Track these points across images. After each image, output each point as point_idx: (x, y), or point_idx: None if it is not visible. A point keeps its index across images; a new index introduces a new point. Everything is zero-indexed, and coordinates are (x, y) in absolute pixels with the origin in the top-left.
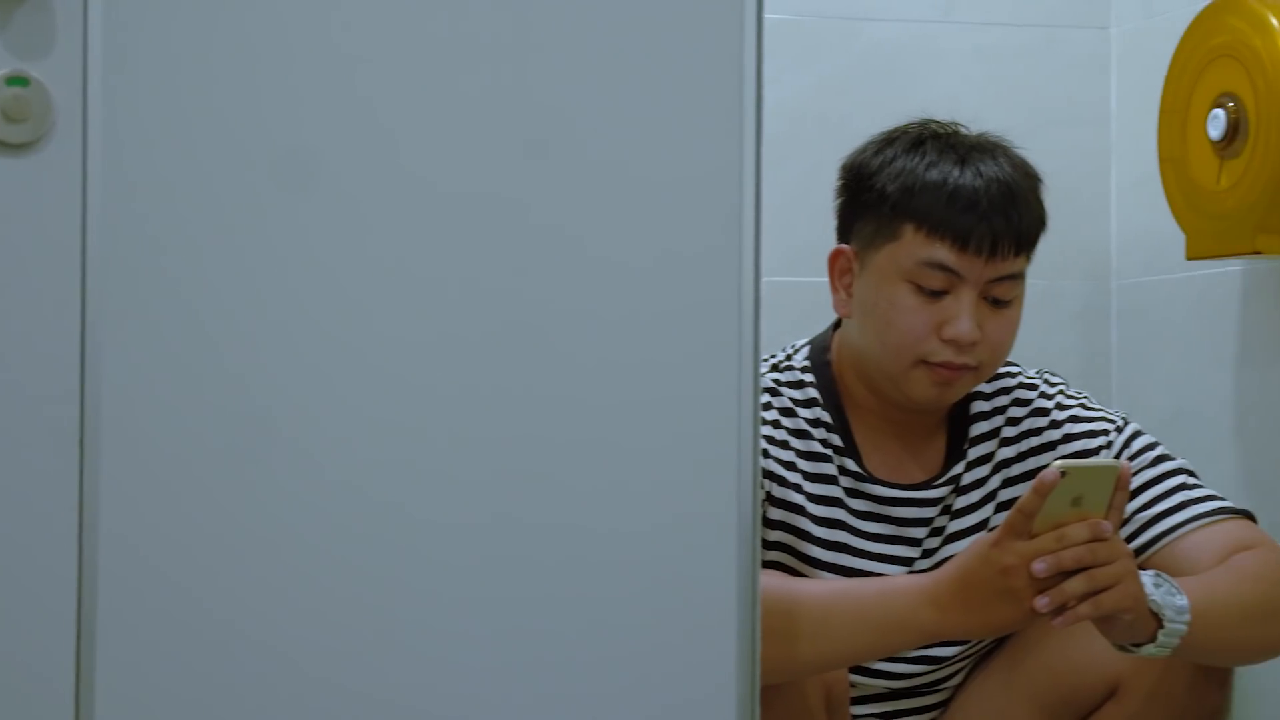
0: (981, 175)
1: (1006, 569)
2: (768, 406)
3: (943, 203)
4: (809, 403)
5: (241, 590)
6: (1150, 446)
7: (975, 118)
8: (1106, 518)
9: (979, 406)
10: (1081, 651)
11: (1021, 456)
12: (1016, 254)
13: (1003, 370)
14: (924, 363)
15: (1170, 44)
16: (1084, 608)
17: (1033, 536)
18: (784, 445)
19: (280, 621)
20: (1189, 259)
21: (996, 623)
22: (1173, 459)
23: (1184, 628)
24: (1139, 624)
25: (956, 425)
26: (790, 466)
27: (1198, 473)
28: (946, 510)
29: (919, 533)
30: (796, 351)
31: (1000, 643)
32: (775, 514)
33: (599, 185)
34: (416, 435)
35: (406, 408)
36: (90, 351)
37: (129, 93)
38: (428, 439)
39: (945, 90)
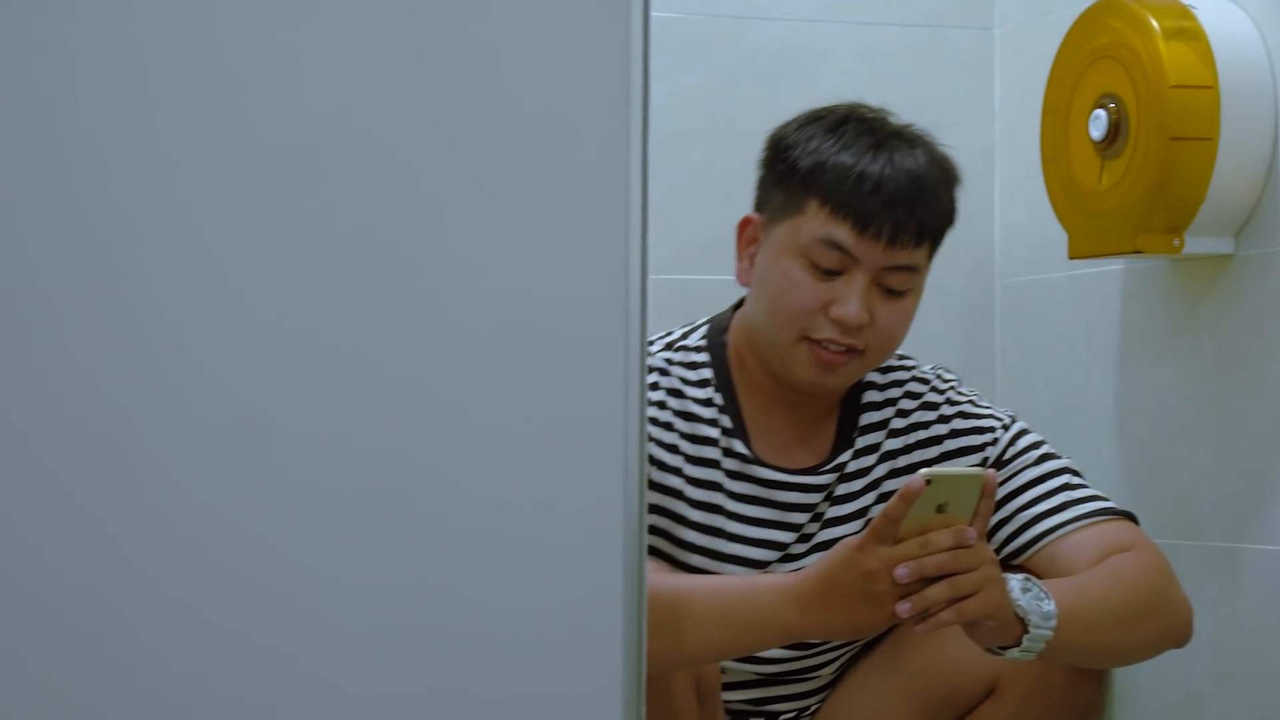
0: (894, 164)
1: (870, 573)
2: (655, 386)
3: (849, 184)
4: (701, 383)
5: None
6: (1035, 445)
7: None
8: (972, 525)
9: (871, 396)
10: (961, 650)
11: (908, 449)
12: (916, 245)
13: (896, 363)
14: (808, 339)
15: (1053, 45)
16: (946, 614)
17: (898, 542)
18: (668, 427)
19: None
20: (1071, 258)
21: (858, 625)
22: (1058, 458)
23: (1049, 633)
24: (1003, 629)
25: (848, 413)
26: (672, 449)
27: (1082, 472)
28: (829, 496)
29: (800, 517)
30: (694, 330)
31: (880, 636)
32: (652, 498)
33: (482, 181)
34: (293, 436)
35: (287, 404)
36: None
37: None
38: (304, 436)
39: (832, 89)
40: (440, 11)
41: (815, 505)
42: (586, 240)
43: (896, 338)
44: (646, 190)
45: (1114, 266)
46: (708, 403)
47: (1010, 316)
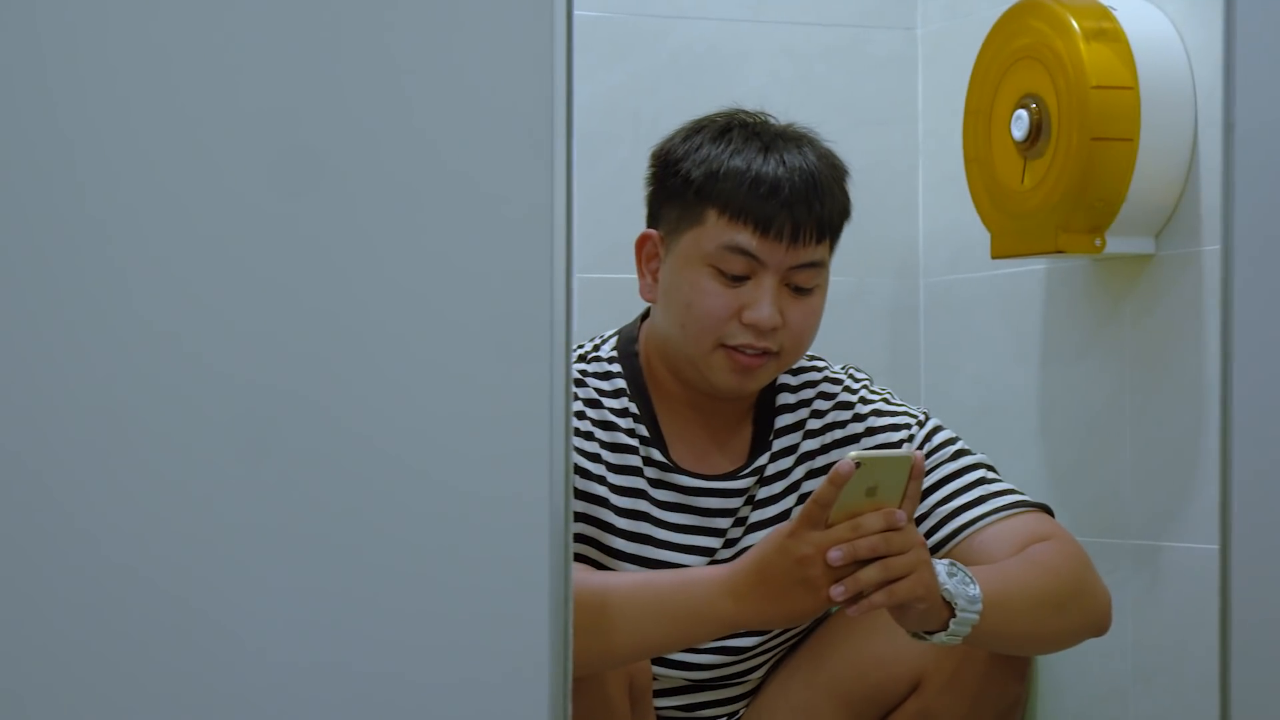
0: (785, 163)
1: (802, 558)
2: (573, 398)
3: (745, 188)
4: (616, 393)
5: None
6: (950, 441)
7: (785, 116)
8: (901, 507)
9: (785, 398)
10: (885, 646)
11: (825, 449)
12: (818, 242)
13: (808, 364)
14: (724, 346)
15: (975, 45)
16: (878, 596)
17: (829, 526)
18: (588, 437)
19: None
20: (994, 257)
21: (794, 611)
22: (972, 454)
23: (976, 617)
24: (932, 612)
25: (762, 416)
26: (594, 458)
27: (998, 468)
28: (750, 500)
29: (723, 523)
30: (604, 342)
31: (804, 637)
32: (578, 506)
33: (406, 180)
34: (221, 429)
35: (214, 394)
36: None
37: None
38: (232, 446)
39: (755, 89)
40: (363, 11)
41: (737, 510)
42: (512, 237)
43: (808, 336)
44: (572, 188)
45: (1036, 266)
46: (624, 412)
47: (934, 316)
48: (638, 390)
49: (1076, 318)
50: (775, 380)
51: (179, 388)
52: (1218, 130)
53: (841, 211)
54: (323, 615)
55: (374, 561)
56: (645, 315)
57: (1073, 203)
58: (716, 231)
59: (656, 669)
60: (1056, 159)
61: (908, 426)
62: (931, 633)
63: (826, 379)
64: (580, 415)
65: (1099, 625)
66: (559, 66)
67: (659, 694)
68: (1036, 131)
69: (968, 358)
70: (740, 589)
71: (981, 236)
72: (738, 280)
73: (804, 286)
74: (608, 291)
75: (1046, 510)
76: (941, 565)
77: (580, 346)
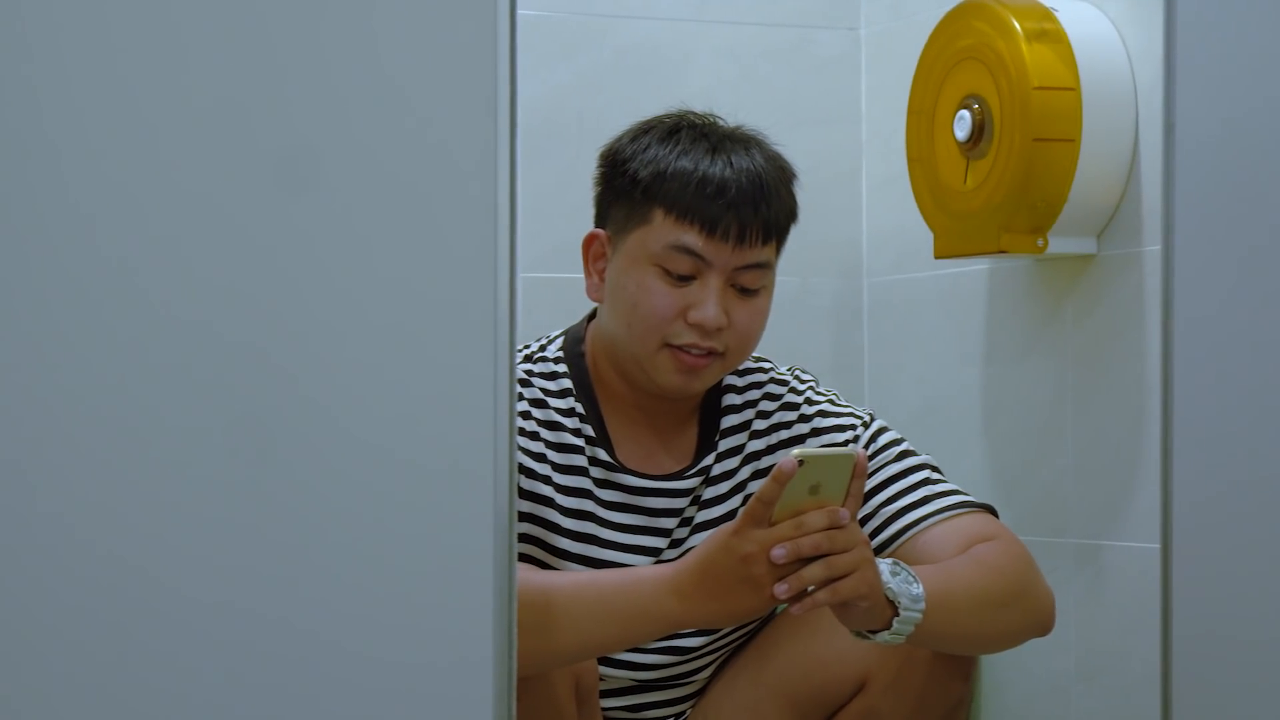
0: (732, 165)
1: (746, 556)
2: (519, 398)
3: (692, 189)
4: (562, 393)
5: None
6: (895, 442)
7: (729, 116)
8: (844, 505)
9: (730, 399)
10: (829, 647)
11: (771, 449)
12: (764, 243)
13: (754, 365)
14: (669, 346)
15: (917, 46)
16: (822, 594)
17: (772, 524)
18: (534, 437)
19: None
20: (937, 257)
21: (739, 610)
22: (917, 454)
23: (919, 615)
24: (875, 611)
25: (708, 417)
26: (540, 458)
27: (942, 468)
28: (696, 501)
29: (669, 523)
30: (551, 342)
31: (750, 637)
32: (523, 506)
33: (348, 181)
34: (171, 431)
35: (165, 398)
36: None
37: None
38: (179, 431)
39: (699, 88)
40: (305, 10)
41: (683, 510)
42: (456, 236)
43: (754, 336)
44: (515, 188)
45: (979, 266)
46: (570, 412)
47: (877, 316)
48: (584, 390)
49: (1019, 317)
50: (721, 381)
51: (147, 386)
52: (1158, 131)
53: (788, 213)
54: (264, 616)
55: (316, 562)
56: (592, 316)
57: (1015, 203)
58: (663, 231)
59: (603, 669)
60: (999, 159)
61: (853, 427)
62: (875, 632)
63: (772, 380)
64: (526, 415)
65: (1043, 625)
66: (502, 65)
67: (606, 694)
68: (979, 132)
69: (911, 357)
70: (685, 587)
71: (925, 236)
72: (684, 280)
73: (750, 288)
74: (551, 291)
75: (991, 510)
76: (885, 564)
77: (526, 347)
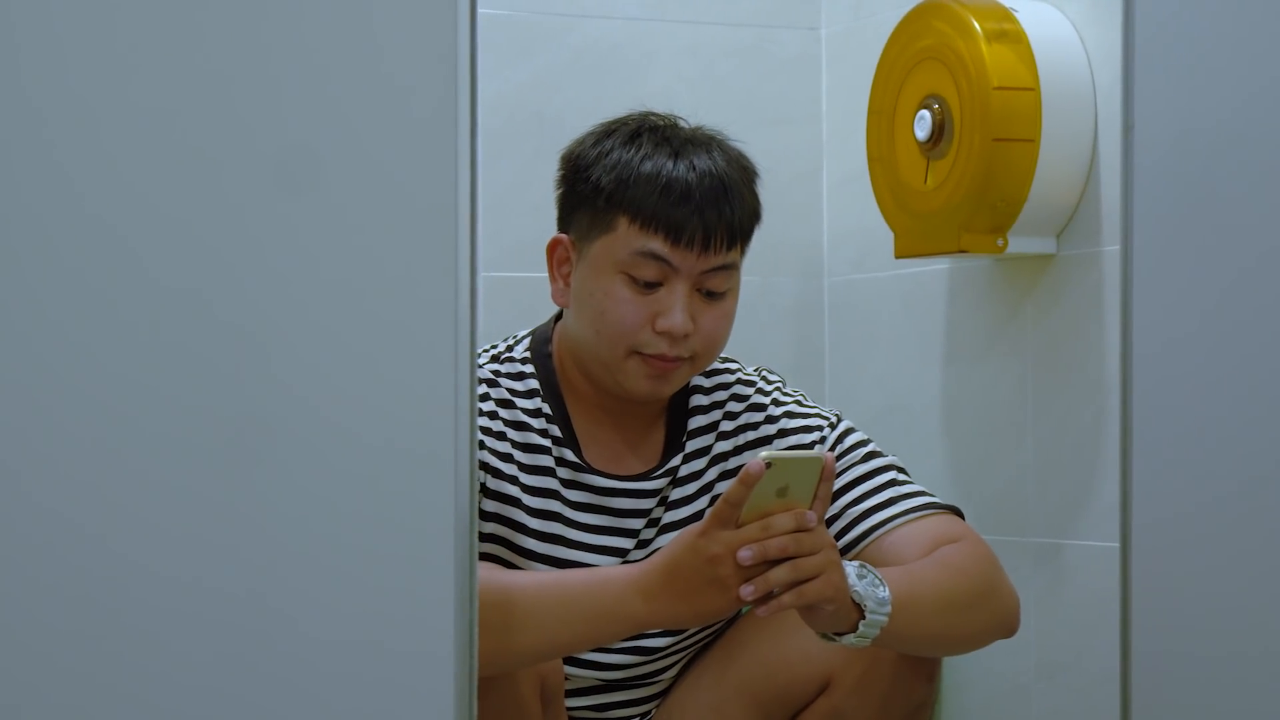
0: (695, 168)
1: (713, 558)
2: (485, 398)
3: (656, 195)
4: (529, 393)
5: None
6: (862, 443)
7: (689, 116)
8: (811, 508)
9: (698, 400)
10: (794, 647)
11: (738, 450)
12: (729, 247)
13: (721, 366)
14: (638, 354)
15: (878, 46)
16: (788, 597)
17: (739, 526)
18: (500, 437)
19: None
20: (897, 257)
21: (705, 611)
22: (883, 456)
23: (884, 619)
24: (841, 614)
25: (675, 417)
26: (506, 458)
27: (907, 469)
28: (663, 502)
29: (635, 524)
30: (518, 342)
31: (716, 637)
32: (490, 506)
33: (309, 179)
34: (145, 431)
35: (134, 399)
36: None
37: None
38: (149, 429)
39: (660, 88)
40: (265, 7)
41: (650, 511)
42: (416, 235)
43: (721, 339)
44: (476, 186)
45: (939, 265)
46: (537, 413)
47: (838, 315)
48: (551, 391)
49: (979, 317)
50: (689, 382)
51: (117, 389)
52: (1117, 131)
53: (752, 215)
54: (222, 615)
55: (275, 560)
56: (559, 316)
57: (975, 203)
58: (628, 239)
59: (568, 668)
60: (959, 159)
61: (820, 428)
62: (840, 634)
63: (739, 381)
64: (493, 415)
65: (1008, 626)
66: (463, 64)
67: (571, 694)
68: (939, 132)
69: (871, 357)
70: (651, 588)
71: (885, 236)
72: (650, 287)
73: (716, 291)
74: (511, 290)
75: (957, 512)
76: (851, 567)
77: (494, 346)
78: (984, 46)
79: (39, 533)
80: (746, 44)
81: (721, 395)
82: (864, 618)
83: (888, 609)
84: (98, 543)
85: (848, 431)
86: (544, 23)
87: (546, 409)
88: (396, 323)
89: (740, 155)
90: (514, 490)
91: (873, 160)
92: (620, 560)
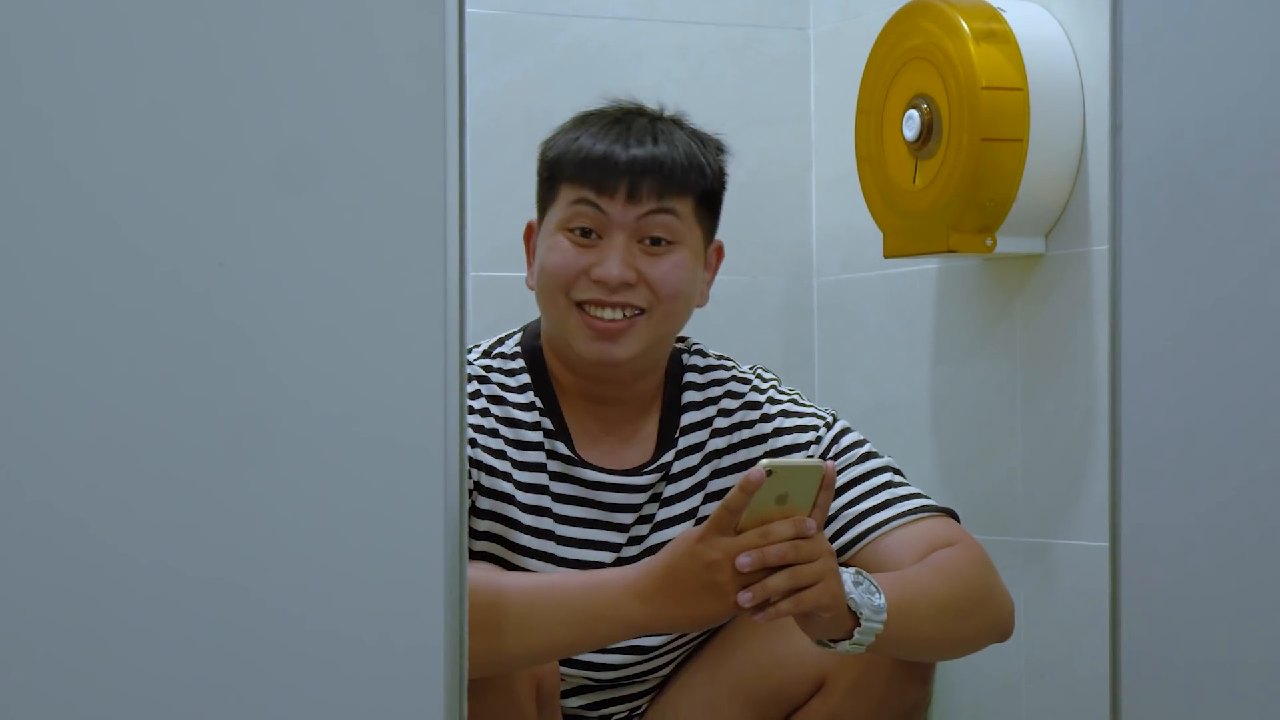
0: (631, 130)
1: (711, 563)
2: (476, 395)
3: (593, 159)
4: (521, 387)
5: None
6: (858, 444)
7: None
8: (811, 516)
9: (691, 396)
10: (788, 647)
11: (732, 448)
12: (663, 194)
13: (716, 363)
14: (578, 308)
15: (866, 45)
16: (785, 604)
17: (739, 532)
18: (493, 434)
19: None
20: (886, 257)
21: (701, 616)
22: (879, 457)
23: (880, 626)
24: (837, 621)
25: (669, 413)
26: (499, 455)
27: (902, 470)
28: (655, 498)
29: (626, 519)
30: (509, 337)
31: (709, 636)
32: (485, 504)
33: (298, 179)
34: (138, 430)
35: (129, 394)
36: None
37: None
38: (123, 456)
39: (649, 87)
40: (254, 7)
41: (641, 506)
42: (406, 236)
43: (678, 294)
44: (465, 186)
45: (928, 265)
46: (529, 407)
47: (827, 315)
48: (542, 384)
49: (968, 317)
50: (682, 378)
51: (110, 384)
52: (1105, 131)
53: (697, 169)
54: (211, 610)
55: (265, 556)
56: None
57: (964, 202)
58: (565, 198)
59: (562, 668)
60: (947, 159)
61: (815, 428)
62: (836, 641)
63: (735, 378)
64: (485, 413)
65: (1002, 631)
66: (451, 63)
67: (564, 693)
68: (928, 132)
69: (860, 357)
70: (648, 592)
71: (874, 236)
72: (586, 235)
73: (659, 237)
74: (499, 289)
75: (953, 514)
76: (848, 574)
77: (483, 343)
78: (972, 46)
79: (27, 523)
80: (735, 44)
81: (716, 392)
82: (860, 625)
83: (883, 616)
84: (86, 536)
85: (844, 431)
86: (533, 22)
87: (539, 402)
88: (386, 320)
89: (699, 130)
90: (508, 487)
91: (861, 160)
92: (613, 556)
